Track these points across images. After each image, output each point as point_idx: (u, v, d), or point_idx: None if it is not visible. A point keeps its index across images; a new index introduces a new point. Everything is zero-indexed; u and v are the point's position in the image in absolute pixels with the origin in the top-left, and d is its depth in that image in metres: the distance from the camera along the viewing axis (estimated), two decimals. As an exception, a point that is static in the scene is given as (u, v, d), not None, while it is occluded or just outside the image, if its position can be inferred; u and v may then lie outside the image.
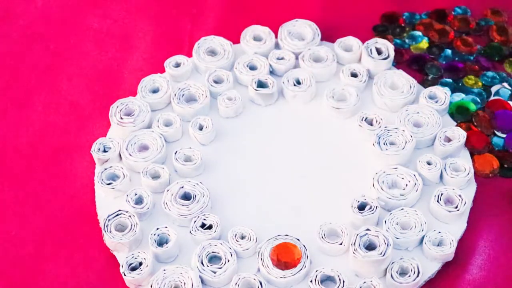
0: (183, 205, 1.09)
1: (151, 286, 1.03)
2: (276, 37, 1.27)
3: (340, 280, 1.03)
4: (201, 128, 1.17)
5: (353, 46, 1.25)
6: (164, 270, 1.04)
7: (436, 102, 1.18)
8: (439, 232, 1.06)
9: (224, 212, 1.10)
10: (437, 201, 1.09)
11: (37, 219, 1.13)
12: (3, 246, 1.10)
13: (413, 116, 1.17)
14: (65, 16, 1.35)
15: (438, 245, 1.06)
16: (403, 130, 1.14)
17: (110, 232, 1.07)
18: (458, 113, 1.20)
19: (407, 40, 1.29)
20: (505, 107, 1.20)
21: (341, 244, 1.06)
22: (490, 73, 1.25)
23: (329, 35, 1.27)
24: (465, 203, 1.08)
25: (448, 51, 1.27)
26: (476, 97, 1.22)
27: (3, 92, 1.26)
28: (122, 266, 1.04)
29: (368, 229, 1.05)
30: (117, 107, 1.18)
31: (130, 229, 1.07)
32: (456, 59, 1.27)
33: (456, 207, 1.08)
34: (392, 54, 1.23)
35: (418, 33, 1.30)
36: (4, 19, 1.35)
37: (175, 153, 1.14)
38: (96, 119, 1.21)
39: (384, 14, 1.33)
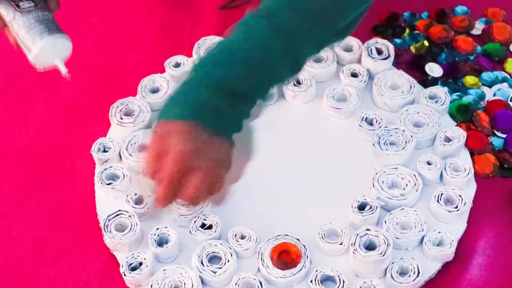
0: (183, 205, 1.09)
1: (151, 286, 1.03)
2: (276, 37, 1.26)
3: (340, 280, 1.03)
4: (201, 128, 1.17)
5: (353, 46, 1.25)
6: (164, 270, 1.04)
7: (436, 102, 1.18)
8: (439, 232, 1.06)
9: (224, 212, 1.10)
10: (437, 201, 1.09)
11: (37, 219, 1.13)
12: (3, 247, 1.11)
13: (413, 116, 1.17)
14: (65, 16, 1.35)
15: (438, 245, 1.06)
16: (403, 130, 1.14)
17: (110, 232, 1.07)
18: (458, 113, 1.20)
19: (407, 40, 1.29)
20: (505, 107, 1.20)
21: (341, 244, 1.06)
22: (490, 73, 1.25)
23: (329, 35, 1.27)
24: (465, 203, 1.08)
25: (448, 51, 1.27)
26: (476, 97, 1.22)
27: (3, 92, 1.26)
28: (122, 266, 1.04)
29: (368, 229, 1.05)
30: (117, 107, 1.19)
31: (130, 229, 1.07)
32: (456, 59, 1.27)
33: (456, 207, 1.08)
34: (392, 54, 1.23)
35: (418, 33, 1.30)
36: (4, 19, 1.35)
37: (175, 153, 1.14)
38: (96, 119, 1.21)
39: (384, 14, 1.33)
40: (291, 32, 0.95)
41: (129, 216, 1.08)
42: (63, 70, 1.08)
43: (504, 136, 1.18)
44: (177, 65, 1.24)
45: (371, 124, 1.16)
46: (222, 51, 0.95)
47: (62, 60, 1.08)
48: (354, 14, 1.03)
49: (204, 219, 1.08)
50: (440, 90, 1.20)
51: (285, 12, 0.95)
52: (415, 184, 1.10)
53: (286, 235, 1.06)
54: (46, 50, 1.06)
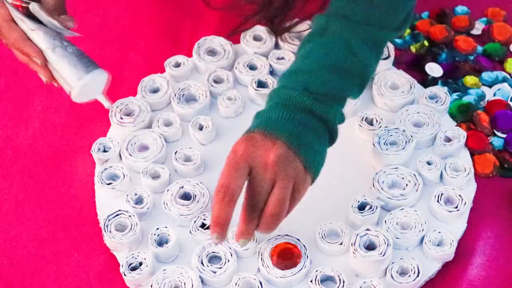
0: (183, 205, 1.09)
1: (151, 286, 1.03)
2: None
3: (340, 280, 1.03)
4: (201, 128, 1.17)
5: (353, 46, 1.25)
6: (164, 270, 1.04)
7: (436, 102, 1.18)
8: (439, 232, 1.06)
9: (224, 212, 1.10)
10: (437, 201, 1.09)
11: (37, 219, 1.13)
12: (3, 246, 1.11)
13: (413, 116, 1.17)
14: (65, 16, 1.35)
15: (438, 245, 1.06)
16: (403, 130, 1.14)
17: (110, 232, 1.07)
18: (458, 113, 1.20)
19: (407, 40, 1.29)
20: (505, 107, 1.20)
21: (341, 244, 1.06)
22: (490, 73, 1.25)
23: (329, 35, 1.27)
24: (465, 203, 1.08)
25: (448, 51, 1.27)
26: (476, 97, 1.22)
27: (3, 92, 1.26)
28: (122, 266, 1.04)
29: (368, 229, 1.05)
30: (117, 107, 1.19)
31: (130, 229, 1.07)
32: (456, 59, 1.27)
33: (456, 207, 1.08)
34: (392, 54, 1.23)
35: (419, 33, 1.30)
36: (4, 19, 1.35)
37: (175, 153, 1.14)
38: (96, 119, 1.21)
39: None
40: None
41: (129, 216, 1.08)
42: (106, 104, 1.11)
43: (504, 136, 1.18)
44: (177, 65, 1.24)
45: (371, 124, 1.16)
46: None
47: (102, 94, 1.11)
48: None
49: (204, 219, 1.08)
50: (440, 90, 1.20)
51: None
52: (415, 184, 1.10)
53: (286, 235, 1.06)
54: (88, 86, 1.08)
